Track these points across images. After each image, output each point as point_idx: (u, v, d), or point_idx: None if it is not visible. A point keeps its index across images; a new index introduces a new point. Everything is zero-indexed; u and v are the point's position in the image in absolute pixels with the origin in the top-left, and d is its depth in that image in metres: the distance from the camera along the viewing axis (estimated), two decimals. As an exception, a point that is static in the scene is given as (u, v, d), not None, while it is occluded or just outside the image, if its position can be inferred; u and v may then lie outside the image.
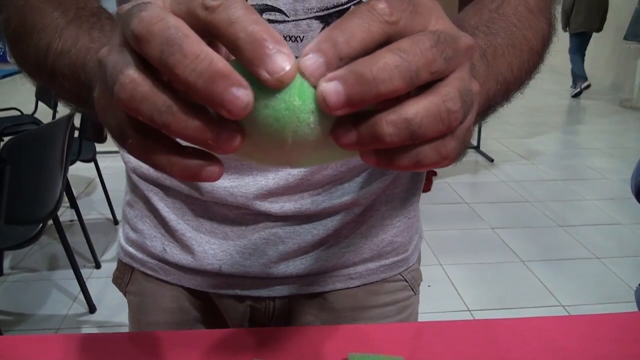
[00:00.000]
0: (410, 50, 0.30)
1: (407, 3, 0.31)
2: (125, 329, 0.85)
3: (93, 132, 2.98)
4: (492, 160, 4.83)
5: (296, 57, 0.31)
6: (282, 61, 0.29)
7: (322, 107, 0.29)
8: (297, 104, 0.30)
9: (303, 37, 0.61)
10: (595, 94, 8.05)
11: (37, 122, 3.81)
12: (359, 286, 0.78)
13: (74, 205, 2.83)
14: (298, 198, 0.70)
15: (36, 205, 2.15)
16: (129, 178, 0.79)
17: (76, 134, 2.73)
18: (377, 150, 0.32)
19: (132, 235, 0.79)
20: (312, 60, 0.29)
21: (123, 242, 0.82)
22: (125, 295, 0.83)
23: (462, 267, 2.97)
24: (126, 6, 0.31)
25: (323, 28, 0.61)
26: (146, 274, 0.79)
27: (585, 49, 7.94)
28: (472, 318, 2.52)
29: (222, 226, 0.73)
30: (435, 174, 4.27)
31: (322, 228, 0.73)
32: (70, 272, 2.46)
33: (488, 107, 0.53)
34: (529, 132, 5.92)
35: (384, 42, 0.30)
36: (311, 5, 0.60)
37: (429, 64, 0.30)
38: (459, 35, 0.33)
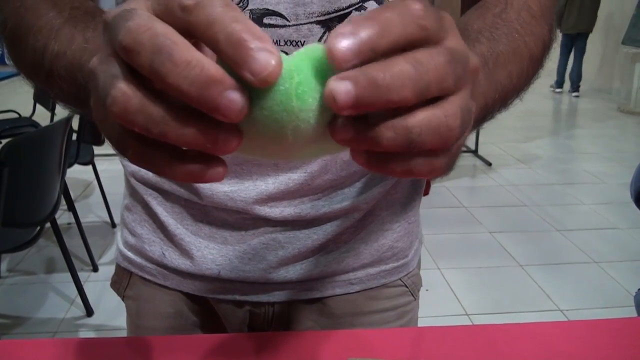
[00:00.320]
0: (426, 63, 0.29)
1: (436, 13, 0.31)
2: (123, 333, 0.84)
3: (91, 135, 2.97)
4: (490, 164, 4.83)
5: (290, 44, 0.30)
6: (264, 60, 0.28)
7: (330, 104, 0.29)
8: (296, 105, 0.30)
9: (304, 41, 0.61)
10: (593, 98, 8.07)
11: (35, 124, 3.80)
12: (358, 291, 0.78)
13: (71, 208, 2.83)
14: (298, 203, 0.70)
15: (34, 208, 2.15)
16: (127, 182, 0.79)
17: (74, 136, 2.72)
18: (368, 152, 0.31)
19: (131, 239, 0.79)
20: (345, 44, 0.28)
21: (121, 247, 0.81)
22: (123, 300, 0.83)
23: (460, 271, 2.97)
24: (112, 13, 0.31)
25: (324, 33, 0.61)
26: (145, 279, 0.79)
27: (576, 52, 8.03)
28: (470, 322, 2.52)
29: (221, 231, 0.73)
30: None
31: (322, 233, 0.73)
32: (68, 275, 2.45)
33: (485, 115, 0.53)
34: (526, 136, 5.93)
35: (410, 44, 0.30)
36: (312, 9, 0.60)
37: (441, 80, 0.30)
38: (469, 55, 0.33)
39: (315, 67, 0.30)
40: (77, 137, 2.89)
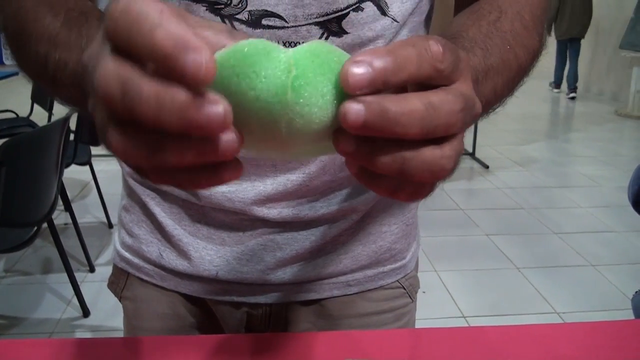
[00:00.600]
0: (439, 108, 0.31)
1: (455, 55, 0.33)
2: (120, 333, 0.84)
3: (88, 135, 2.97)
4: (487, 167, 4.84)
5: (288, 45, 0.31)
6: (192, 62, 0.27)
7: (340, 120, 0.30)
8: (290, 98, 0.30)
9: (303, 43, 0.61)
10: (591, 102, 8.09)
11: (33, 124, 3.80)
12: (356, 293, 0.78)
13: (68, 208, 2.82)
14: (296, 204, 0.70)
15: (31, 208, 2.14)
16: (125, 182, 0.78)
17: (72, 136, 2.72)
18: (362, 166, 0.33)
19: (128, 240, 0.79)
20: (360, 71, 0.30)
21: (119, 247, 0.81)
22: (120, 301, 0.83)
23: (457, 274, 2.97)
24: (85, 57, 0.33)
25: (322, 34, 0.61)
26: (142, 280, 0.78)
27: (566, 55, 8.15)
28: (466, 324, 2.52)
29: (219, 232, 0.72)
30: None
31: (319, 234, 0.73)
32: (64, 275, 2.45)
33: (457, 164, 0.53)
34: (524, 139, 5.94)
35: (423, 82, 0.32)
36: (311, 11, 0.60)
37: (451, 126, 0.32)
38: (476, 100, 0.35)
39: (315, 63, 0.31)
40: (75, 137, 2.89)
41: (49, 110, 3.88)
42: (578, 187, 4.43)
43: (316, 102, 0.31)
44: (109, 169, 4.13)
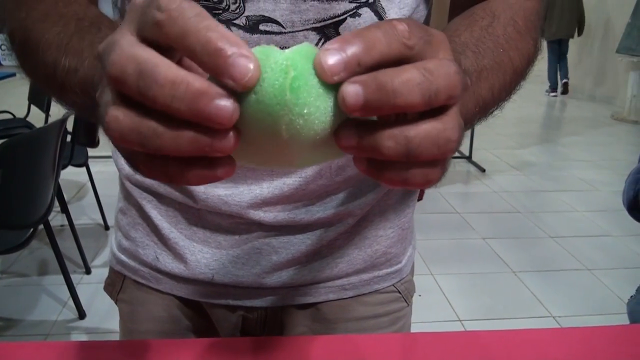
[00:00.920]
0: (436, 71, 0.31)
1: (423, 32, 0.33)
2: (115, 336, 0.84)
3: (85, 137, 2.97)
4: (483, 171, 4.84)
5: (284, 48, 0.31)
6: (243, 66, 0.29)
7: (340, 105, 0.31)
8: (289, 98, 0.31)
9: None
10: (587, 106, 8.11)
11: (30, 125, 3.79)
12: (352, 297, 0.78)
13: (64, 210, 2.82)
14: (292, 208, 0.70)
15: (27, 210, 2.14)
16: (122, 185, 0.79)
17: (69, 138, 2.72)
18: (369, 160, 0.33)
19: (125, 243, 0.79)
20: (333, 57, 0.30)
21: (115, 250, 0.81)
22: (116, 304, 0.83)
23: (453, 277, 2.98)
24: (102, 45, 0.33)
25: (319, 40, 0.61)
26: (138, 283, 0.78)
27: (561, 55, 8.28)
28: (462, 328, 2.52)
29: (215, 235, 0.73)
30: (427, 184, 4.27)
31: (315, 238, 0.73)
32: (60, 277, 2.44)
33: (464, 134, 0.53)
34: (520, 142, 5.95)
35: (397, 62, 0.32)
36: (308, 16, 0.60)
37: (451, 88, 0.32)
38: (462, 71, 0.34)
39: (311, 64, 0.31)
40: (72, 138, 2.88)
41: (46, 111, 3.87)
42: (574, 191, 4.44)
43: (314, 103, 0.31)
44: (105, 171, 4.12)
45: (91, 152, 3.22)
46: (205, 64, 0.29)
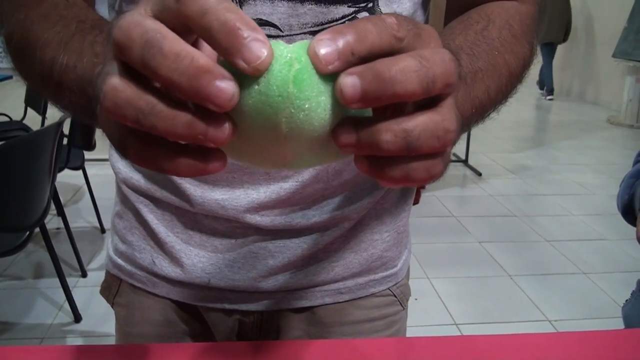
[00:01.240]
0: (431, 58, 0.31)
1: (412, 25, 0.33)
2: (111, 339, 0.84)
3: (82, 140, 2.96)
4: (480, 174, 4.85)
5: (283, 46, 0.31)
6: (258, 49, 0.29)
7: (339, 98, 0.30)
8: (292, 90, 0.30)
9: None
10: (583, 110, 8.13)
11: (26, 128, 3.78)
12: (347, 301, 0.78)
13: (61, 212, 2.81)
14: (289, 212, 0.70)
15: (23, 213, 2.14)
16: (119, 189, 0.79)
17: (65, 141, 2.71)
18: (370, 158, 0.33)
19: (121, 246, 0.79)
20: (326, 46, 0.30)
21: (112, 254, 0.81)
22: (112, 307, 0.83)
23: (450, 281, 2.98)
24: (113, 20, 0.33)
25: None
26: (134, 286, 0.78)
27: (551, 59, 8.36)
28: (458, 332, 2.52)
29: (211, 239, 0.73)
30: (423, 187, 4.28)
31: (311, 242, 0.73)
32: (56, 280, 2.44)
33: (460, 129, 0.54)
34: (517, 146, 5.96)
35: (388, 54, 0.31)
36: (306, 20, 0.60)
37: (447, 75, 0.32)
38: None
39: None
40: (68, 141, 2.88)
41: (43, 114, 3.86)
42: (570, 194, 4.45)
43: (316, 98, 0.31)
44: (102, 174, 4.12)
45: (87, 155, 3.22)
46: (220, 42, 0.29)
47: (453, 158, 5.13)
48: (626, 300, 1.52)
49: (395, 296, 0.82)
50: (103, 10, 0.66)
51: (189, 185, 0.69)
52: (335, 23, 0.61)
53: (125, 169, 0.74)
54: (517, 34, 0.60)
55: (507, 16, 0.61)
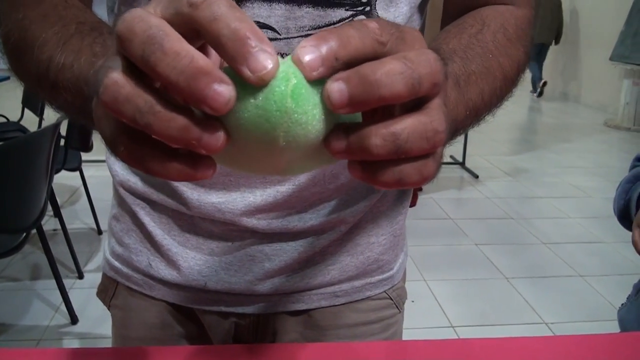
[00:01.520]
0: (416, 59, 0.31)
1: (395, 29, 0.33)
2: (108, 341, 0.84)
3: (79, 141, 2.96)
4: (477, 177, 4.85)
5: (283, 55, 0.32)
6: (264, 59, 0.29)
7: (327, 104, 0.31)
8: (290, 105, 0.31)
9: None
10: (580, 113, 8.15)
11: (23, 129, 3.77)
12: (344, 304, 0.78)
13: (57, 214, 2.81)
14: (285, 215, 0.70)
15: (20, 214, 2.13)
16: (115, 192, 0.79)
17: (62, 142, 2.71)
18: (363, 163, 0.33)
19: (118, 249, 0.79)
20: (310, 52, 0.31)
21: (108, 256, 0.81)
22: (109, 309, 0.83)
23: (446, 283, 2.98)
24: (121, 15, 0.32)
25: None
26: (131, 289, 0.78)
27: (542, 59, 8.60)
28: (455, 334, 2.52)
29: (208, 242, 0.73)
30: (420, 189, 4.29)
31: (308, 245, 0.73)
32: (53, 282, 2.43)
33: (455, 132, 0.54)
34: (514, 149, 5.97)
35: (371, 58, 0.32)
36: (303, 23, 0.61)
37: (433, 75, 0.32)
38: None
39: None
40: (65, 143, 2.88)
41: (40, 115, 3.86)
42: (567, 197, 4.46)
43: (312, 110, 0.31)
44: (99, 175, 4.11)
45: (84, 156, 3.21)
46: (228, 50, 0.29)
47: (450, 160, 5.13)
48: (622, 304, 1.52)
49: (392, 299, 0.82)
50: (100, 12, 0.66)
51: (186, 189, 0.69)
52: (332, 27, 0.61)
53: (123, 171, 0.74)
54: (512, 38, 0.60)
55: (503, 20, 0.61)
